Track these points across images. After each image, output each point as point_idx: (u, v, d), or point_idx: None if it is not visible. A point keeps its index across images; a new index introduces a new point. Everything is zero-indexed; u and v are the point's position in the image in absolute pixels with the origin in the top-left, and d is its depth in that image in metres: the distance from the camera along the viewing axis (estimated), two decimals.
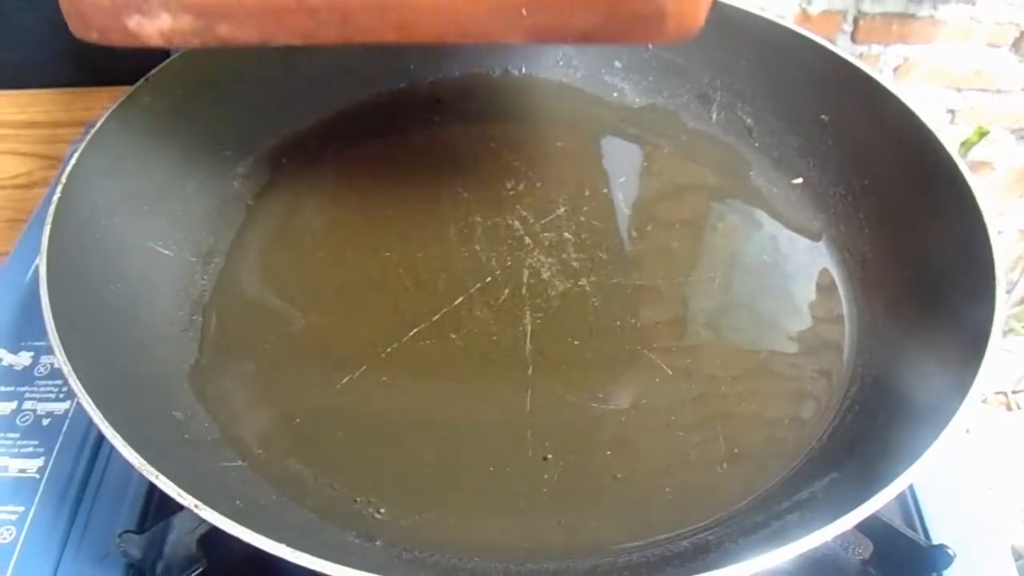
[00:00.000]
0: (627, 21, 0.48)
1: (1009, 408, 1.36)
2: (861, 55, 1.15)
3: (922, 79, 1.18)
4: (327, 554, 0.36)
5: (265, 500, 0.46)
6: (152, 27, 0.48)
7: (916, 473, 0.39)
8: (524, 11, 0.47)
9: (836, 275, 0.59)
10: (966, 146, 1.17)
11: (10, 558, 0.48)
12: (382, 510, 0.47)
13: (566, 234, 0.61)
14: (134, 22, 0.48)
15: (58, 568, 0.48)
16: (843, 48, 1.11)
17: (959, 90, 1.20)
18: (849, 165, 0.62)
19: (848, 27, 1.12)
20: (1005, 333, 1.32)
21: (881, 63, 1.16)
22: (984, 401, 1.37)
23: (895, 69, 1.17)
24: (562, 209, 0.63)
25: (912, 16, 1.10)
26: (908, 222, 0.57)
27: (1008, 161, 1.25)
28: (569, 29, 0.48)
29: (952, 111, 1.22)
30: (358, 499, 0.47)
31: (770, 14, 0.63)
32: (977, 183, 0.52)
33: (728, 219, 0.63)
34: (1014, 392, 1.37)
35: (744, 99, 0.67)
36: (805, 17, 1.07)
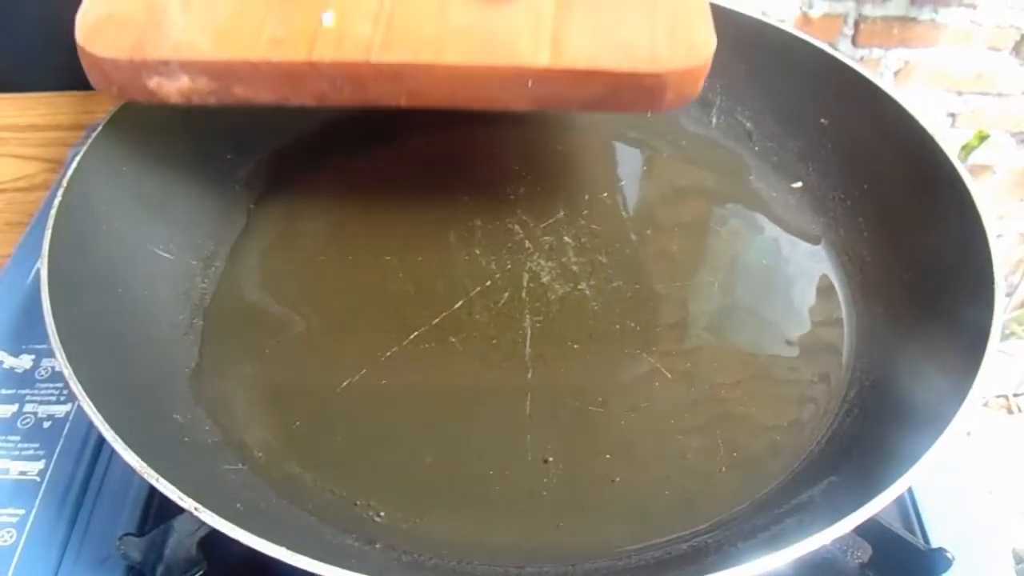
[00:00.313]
0: (629, 94, 0.51)
1: (1010, 411, 1.36)
2: (862, 59, 1.15)
3: (923, 83, 1.19)
4: (326, 557, 0.36)
5: (265, 503, 0.46)
6: (171, 87, 0.51)
7: (914, 476, 0.39)
8: (530, 83, 0.49)
9: (835, 279, 0.60)
10: (966, 150, 1.17)
11: (11, 561, 0.48)
12: (382, 513, 0.47)
13: (566, 238, 0.62)
14: (154, 82, 0.51)
15: (59, 571, 0.48)
16: (844, 52, 1.12)
17: (960, 94, 1.20)
18: (848, 169, 0.62)
19: (849, 31, 1.12)
20: (1006, 336, 1.32)
21: (882, 67, 1.16)
22: (985, 404, 1.37)
23: (896, 73, 1.17)
24: (562, 213, 0.63)
25: (913, 20, 1.11)
26: (907, 226, 0.57)
27: (1009, 164, 1.26)
28: (573, 101, 0.51)
29: (953, 114, 1.22)
30: (358, 502, 0.47)
31: (770, 18, 0.64)
32: (976, 187, 0.52)
33: (728, 223, 0.63)
34: (1015, 395, 1.37)
35: (744, 103, 0.68)
36: (806, 20, 1.08)
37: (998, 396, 1.38)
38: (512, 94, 0.51)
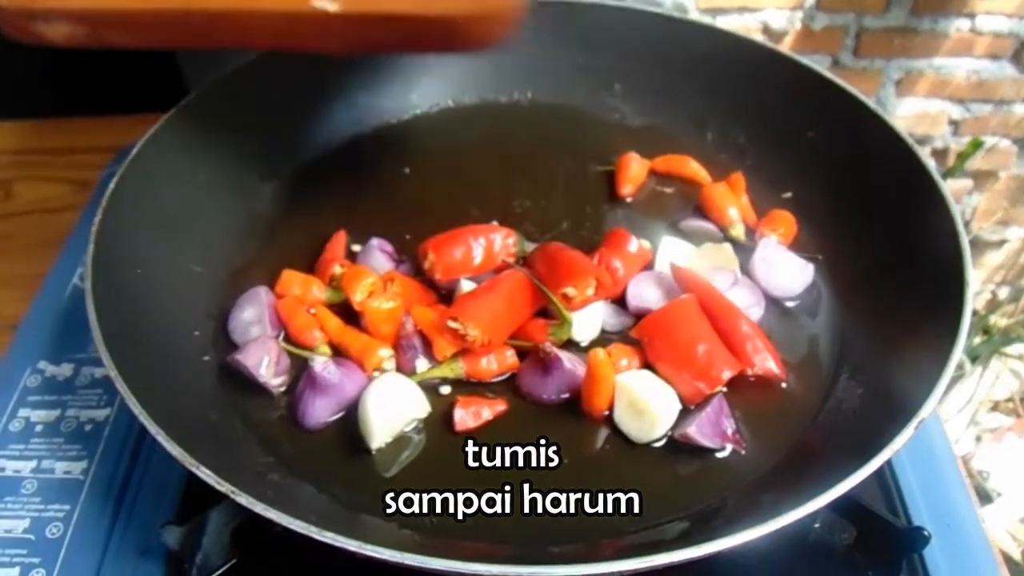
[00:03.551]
0: (427, 37, 0.52)
1: (1019, 415, 1.36)
2: (864, 69, 1.16)
3: (925, 91, 1.20)
4: (350, 532, 0.39)
5: (296, 491, 0.50)
6: (53, 32, 0.54)
7: (881, 460, 0.43)
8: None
9: (821, 282, 0.62)
10: (962, 158, 1.19)
11: (59, 552, 0.52)
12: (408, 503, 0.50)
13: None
14: (38, 28, 0.54)
15: (103, 561, 0.51)
16: (846, 63, 1.13)
17: (961, 102, 1.21)
18: (834, 180, 0.65)
19: (851, 42, 1.14)
20: (1012, 340, 1.32)
21: (884, 77, 1.18)
22: (994, 408, 1.38)
23: (898, 82, 1.19)
24: (565, 224, 0.66)
25: (913, 30, 1.12)
26: (889, 233, 0.60)
27: (1012, 170, 1.26)
28: (373, 44, 0.54)
29: (955, 122, 1.23)
30: (382, 493, 0.50)
31: (758, 36, 0.66)
32: (953, 198, 0.55)
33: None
34: (1023, 400, 1.37)
35: (736, 120, 0.70)
36: (808, 33, 1.09)
37: (1007, 400, 1.38)
38: (315, 37, 0.52)
